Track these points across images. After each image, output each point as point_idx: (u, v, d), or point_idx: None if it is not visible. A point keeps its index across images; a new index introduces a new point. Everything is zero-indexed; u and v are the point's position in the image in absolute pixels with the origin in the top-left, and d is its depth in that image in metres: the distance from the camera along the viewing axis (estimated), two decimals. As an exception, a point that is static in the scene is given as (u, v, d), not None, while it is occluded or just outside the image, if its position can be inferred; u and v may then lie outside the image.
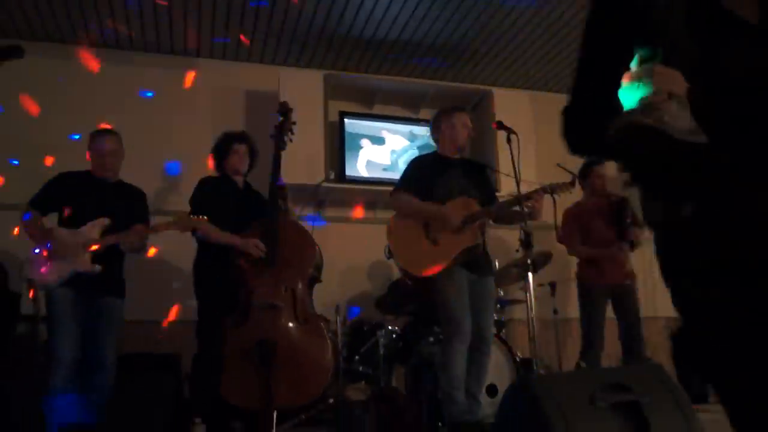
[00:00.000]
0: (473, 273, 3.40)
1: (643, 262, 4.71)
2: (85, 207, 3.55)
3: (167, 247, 4.43)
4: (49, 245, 3.42)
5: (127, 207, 3.69)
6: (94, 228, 3.50)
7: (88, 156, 3.72)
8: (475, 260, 3.42)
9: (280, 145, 3.94)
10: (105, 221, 3.52)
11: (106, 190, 3.68)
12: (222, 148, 3.99)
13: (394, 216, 3.57)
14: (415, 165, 3.68)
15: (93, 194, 3.62)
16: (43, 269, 3.39)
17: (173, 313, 4.67)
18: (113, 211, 3.58)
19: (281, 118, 4.01)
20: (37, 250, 3.45)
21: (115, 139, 3.75)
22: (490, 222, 3.71)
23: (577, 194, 4.76)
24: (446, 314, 3.31)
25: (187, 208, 3.78)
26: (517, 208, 3.42)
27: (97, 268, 3.45)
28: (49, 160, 4.54)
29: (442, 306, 3.33)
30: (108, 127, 3.88)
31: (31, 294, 3.58)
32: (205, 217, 3.52)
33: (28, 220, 3.51)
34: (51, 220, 3.63)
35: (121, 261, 3.66)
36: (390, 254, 3.52)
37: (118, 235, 3.53)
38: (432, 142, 3.88)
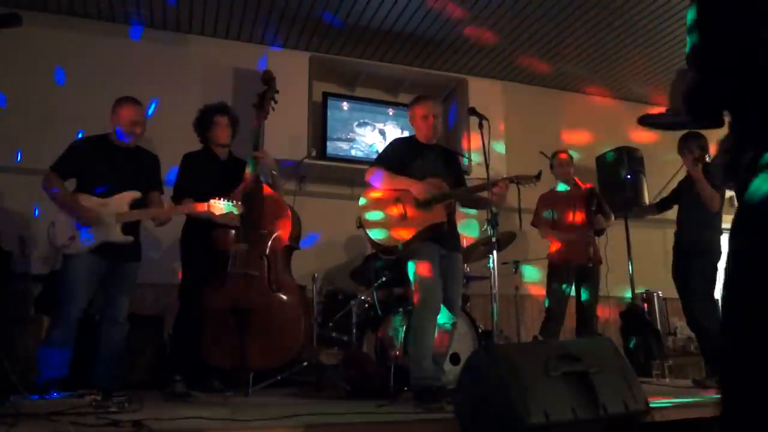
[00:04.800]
0: (443, 248, 3.39)
1: (601, 247, 4.75)
2: (102, 172, 3.45)
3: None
4: (78, 215, 3.32)
5: (142, 173, 3.60)
6: (123, 200, 3.44)
7: (117, 119, 3.54)
8: (445, 236, 3.40)
9: (262, 114, 3.84)
10: (135, 194, 3.47)
11: (123, 155, 3.56)
12: (204, 121, 3.90)
13: (367, 189, 3.54)
14: (392, 145, 3.65)
15: (110, 159, 3.51)
16: (71, 236, 3.31)
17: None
18: (129, 176, 3.50)
19: (264, 87, 3.90)
20: (64, 218, 3.34)
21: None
22: (458, 205, 3.70)
23: (550, 182, 4.80)
24: (417, 285, 3.29)
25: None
26: (483, 193, 3.41)
27: (130, 238, 3.42)
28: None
29: (414, 277, 3.31)
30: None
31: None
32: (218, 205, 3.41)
33: (57, 192, 3.37)
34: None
35: (138, 228, 3.60)
36: (361, 224, 3.48)
37: (148, 211, 3.51)
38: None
